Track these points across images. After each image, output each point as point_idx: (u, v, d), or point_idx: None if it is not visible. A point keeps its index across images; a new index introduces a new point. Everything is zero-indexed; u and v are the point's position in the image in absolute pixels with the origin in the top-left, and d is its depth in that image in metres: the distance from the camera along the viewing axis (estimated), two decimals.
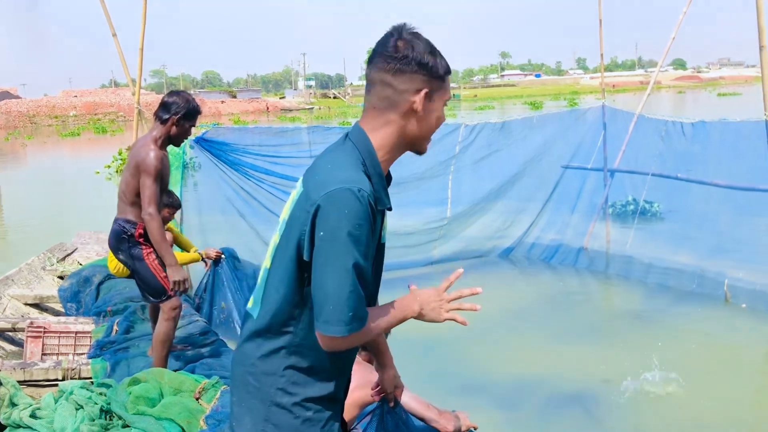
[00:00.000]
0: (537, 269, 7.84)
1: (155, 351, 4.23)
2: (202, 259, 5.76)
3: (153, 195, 4.07)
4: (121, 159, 19.16)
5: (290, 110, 74.19)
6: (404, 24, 1.81)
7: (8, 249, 11.05)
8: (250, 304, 1.90)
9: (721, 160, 6.81)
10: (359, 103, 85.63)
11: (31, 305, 5.99)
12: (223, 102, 78.00)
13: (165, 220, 5.35)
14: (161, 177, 4.17)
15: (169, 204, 5.21)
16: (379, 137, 1.80)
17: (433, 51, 1.79)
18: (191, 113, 4.29)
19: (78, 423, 3.42)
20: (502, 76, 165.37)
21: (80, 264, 6.97)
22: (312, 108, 78.26)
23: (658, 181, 7.32)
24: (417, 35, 1.79)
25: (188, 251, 5.72)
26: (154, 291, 4.22)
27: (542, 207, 8.37)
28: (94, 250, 7.45)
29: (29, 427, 3.48)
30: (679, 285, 6.66)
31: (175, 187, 8.05)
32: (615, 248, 7.81)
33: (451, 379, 4.92)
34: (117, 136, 39.94)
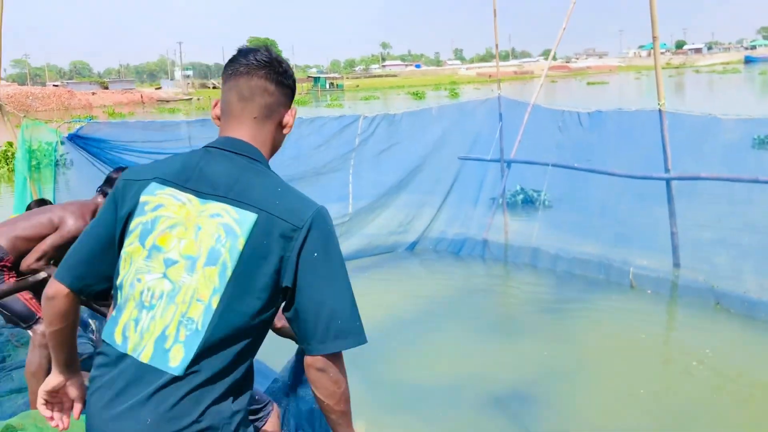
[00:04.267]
0: (444, 263, 7.71)
1: (29, 387, 3.72)
2: None
3: (46, 253, 3.87)
4: None
5: (168, 101, 71.18)
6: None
7: None
8: (175, 363, 1.63)
9: (618, 150, 6.91)
10: None
11: None
12: (94, 93, 73.54)
13: None
14: (69, 243, 3.86)
15: None
16: (266, 150, 1.88)
17: None
18: None
19: None
20: (383, 66, 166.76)
21: None
22: (191, 99, 75.53)
23: (558, 171, 7.36)
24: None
25: None
26: (19, 317, 3.82)
27: (443, 200, 8.27)
28: None
29: None
30: (587, 274, 6.73)
31: (47, 185, 7.29)
32: (516, 239, 7.82)
33: (372, 388, 4.65)
34: None
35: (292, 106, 1.96)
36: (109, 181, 4.11)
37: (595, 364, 4.98)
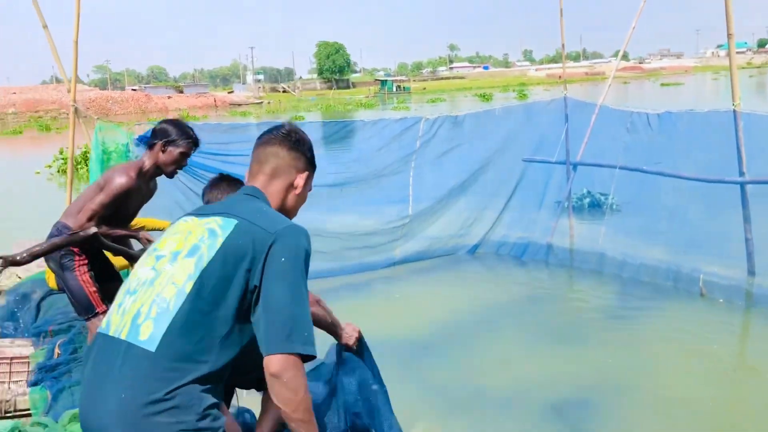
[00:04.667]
0: (506, 267, 7.58)
1: None
2: None
3: (95, 211, 3.92)
4: (62, 158, 18.22)
5: (239, 105, 72.89)
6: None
7: None
8: (144, 337, 1.77)
9: (689, 152, 6.65)
10: (310, 97, 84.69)
11: None
12: (169, 97, 76.07)
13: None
14: (117, 202, 4.00)
15: None
16: (273, 202, 2.14)
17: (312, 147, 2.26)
18: (180, 138, 4.06)
19: None
20: (451, 68, 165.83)
21: (19, 278, 6.37)
22: (262, 102, 77.10)
23: (626, 174, 7.13)
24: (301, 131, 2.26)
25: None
26: (80, 306, 3.97)
27: (506, 202, 8.13)
28: (34, 262, 6.84)
29: None
30: (654, 281, 6.48)
31: None
32: (582, 244, 7.63)
33: (431, 392, 4.62)
34: (63, 133, 38.18)
35: (306, 171, 2.20)
36: (154, 134, 4.14)
37: (661, 374, 4.79)
